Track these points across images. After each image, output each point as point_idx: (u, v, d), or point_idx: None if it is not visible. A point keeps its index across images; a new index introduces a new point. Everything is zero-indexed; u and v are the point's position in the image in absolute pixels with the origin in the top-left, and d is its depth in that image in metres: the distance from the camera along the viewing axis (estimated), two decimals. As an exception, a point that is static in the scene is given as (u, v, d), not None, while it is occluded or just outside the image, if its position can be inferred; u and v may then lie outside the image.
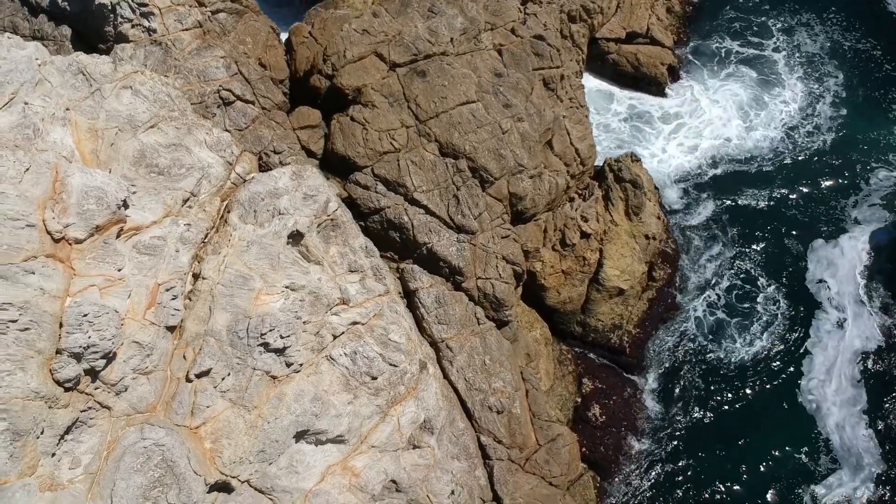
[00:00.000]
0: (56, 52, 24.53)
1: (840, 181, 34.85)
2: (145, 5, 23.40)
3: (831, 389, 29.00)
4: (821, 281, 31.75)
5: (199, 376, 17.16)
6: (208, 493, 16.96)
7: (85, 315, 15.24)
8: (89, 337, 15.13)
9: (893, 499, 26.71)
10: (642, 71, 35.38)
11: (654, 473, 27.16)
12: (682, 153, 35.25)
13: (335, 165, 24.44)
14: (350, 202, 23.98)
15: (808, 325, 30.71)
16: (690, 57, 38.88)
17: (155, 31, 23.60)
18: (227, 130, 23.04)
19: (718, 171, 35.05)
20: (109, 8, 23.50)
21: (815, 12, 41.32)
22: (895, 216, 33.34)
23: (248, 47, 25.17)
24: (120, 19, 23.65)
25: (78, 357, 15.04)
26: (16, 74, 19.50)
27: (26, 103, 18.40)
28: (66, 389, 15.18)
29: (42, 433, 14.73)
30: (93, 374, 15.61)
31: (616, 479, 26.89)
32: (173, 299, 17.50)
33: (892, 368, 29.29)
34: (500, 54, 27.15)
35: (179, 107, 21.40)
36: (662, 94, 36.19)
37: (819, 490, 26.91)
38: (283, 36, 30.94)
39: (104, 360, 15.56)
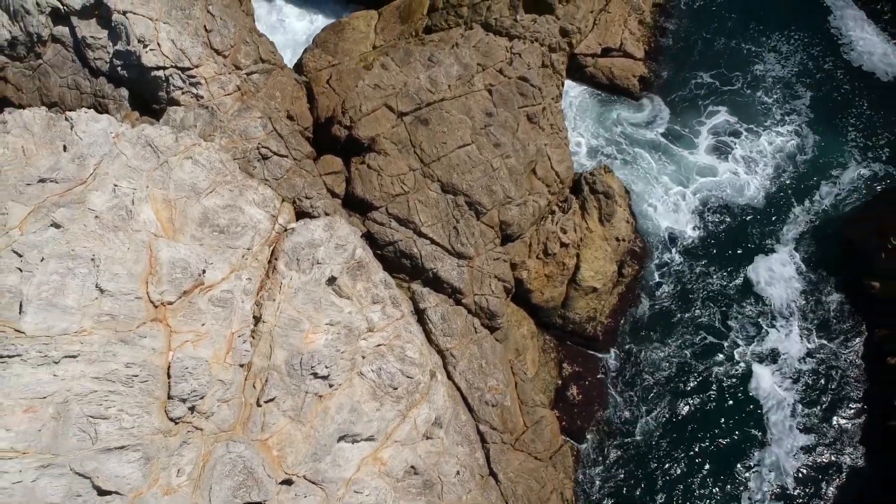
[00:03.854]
0: (116, 110, 28.61)
1: (794, 199, 38.60)
2: (194, 77, 27.61)
3: (776, 375, 34.30)
4: (767, 283, 36.43)
5: (266, 402, 22.44)
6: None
7: (187, 368, 20.26)
8: (191, 385, 20.08)
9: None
10: (615, 83, 39.65)
11: (621, 440, 32.29)
12: (657, 176, 38.77)
13: (355, 205, 28.80)
14: (368, 235, 28.87)
15: (757, 319, 35.59)
16: (662, 86, 41.09)
17: (202, 97, 27.68)
18: (266, 180, 27.68)
19: (691, 194, 38.55)
20: (163, 78, 27.48)
21: (781, 35, 43.48)
22: (833, 230, 37.70)
23: (278, 101, 29.44)
24: (172, 87, 27.68)
25: (184, 400, 20.02)
26: (96, 147, 23.54)
27: (116, 185, 22.83)
28: (176, 423, 20.44)
29: (160, 455, 20.08)
30: (192, 408, 20.85)
31: (590, 448, 32.33)
32: (243, 343, 22.46)
33: (823, 369, 34.70)
34: (491, 94, 31.45)
35: (230, 170, 25.73)
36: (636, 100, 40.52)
37: (762, 457, 32.70)
38: (297, 55, 35.79)
39: (201, 400, 20.80)
